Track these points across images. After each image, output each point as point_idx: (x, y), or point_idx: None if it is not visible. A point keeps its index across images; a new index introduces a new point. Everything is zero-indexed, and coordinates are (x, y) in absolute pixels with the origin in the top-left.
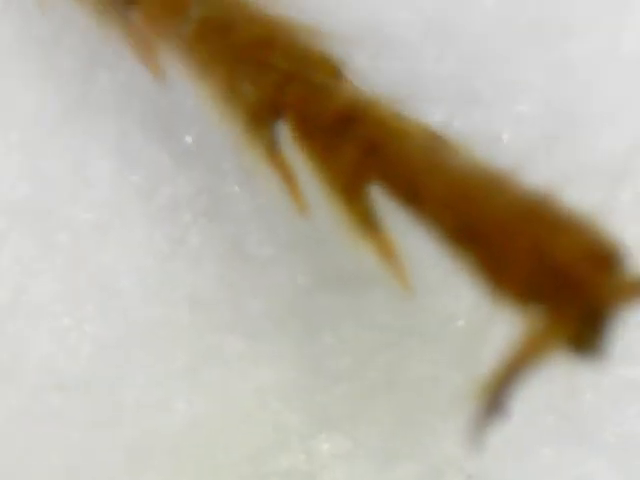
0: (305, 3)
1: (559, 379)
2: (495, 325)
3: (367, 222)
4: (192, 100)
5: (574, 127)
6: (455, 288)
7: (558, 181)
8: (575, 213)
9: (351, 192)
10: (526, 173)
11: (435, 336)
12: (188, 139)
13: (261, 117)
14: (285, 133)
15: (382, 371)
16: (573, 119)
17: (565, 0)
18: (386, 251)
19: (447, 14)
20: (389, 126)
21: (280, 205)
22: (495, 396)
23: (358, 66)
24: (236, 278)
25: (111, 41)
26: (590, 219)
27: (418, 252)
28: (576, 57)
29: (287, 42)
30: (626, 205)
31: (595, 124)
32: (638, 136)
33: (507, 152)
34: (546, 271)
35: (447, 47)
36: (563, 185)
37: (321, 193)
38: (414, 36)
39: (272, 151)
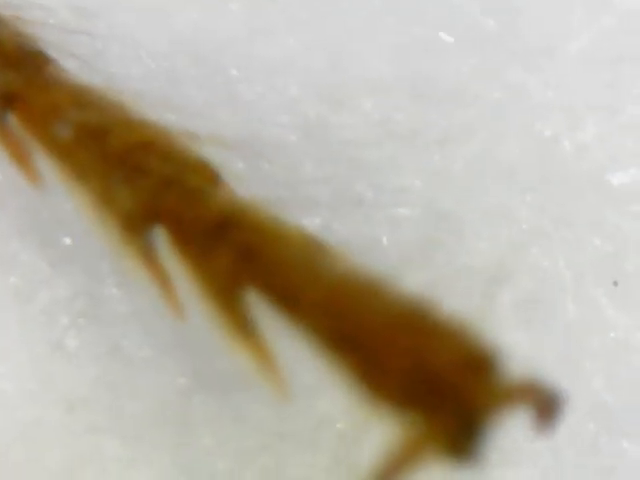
0: (181, 106)
1: None
2: (372, 430)
3: (242, 326)
4: (70, 203)
5: (452, 231)
6: (332, 391)
7: (436, 285)
8: (452, 318)
9: (226, 297)
10: (404, 277)
11: (311, 440)
12: (66, 241)
13: (136, 223)
14: (161, 238)
15: (259, 474)
16: (451, 223)
17: (444, 108)
18: (261, 355)
19: (327, 119)
20: (266, 231)
21: (158, 307)
22: None
23: (236, 170)
24: (115, 379)
25: None
26: (467, 325)
27: (295, 355)
28: (454, 163)
29: (164, 147)
30: (505, 309)
31: (474, 228)
32: (515, 240)
33: (386, 255)
34: (422, 377)
35: (327, 151)
36: (441, 290)
37: (197, 297)
38: (293, 140)
39: (148, 256)
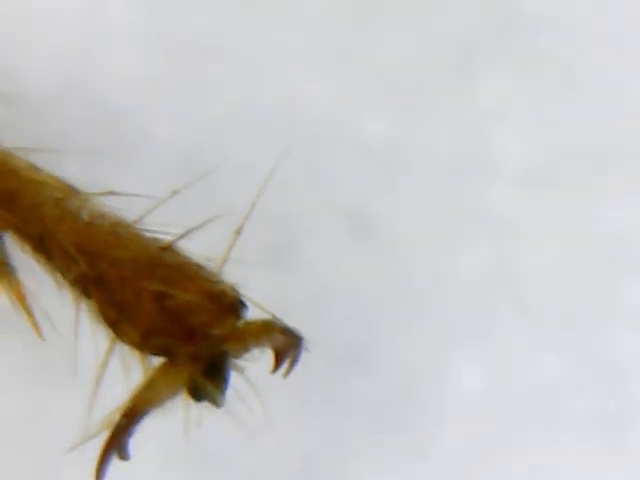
0: None
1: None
2: (127, 370)
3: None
4: None
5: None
6: (91, 332)
7: (186, 229)
8: (198, 262)
9: None
10: (152, 224)
11: (69, 380)
12: None
13: None
14: None
15: (21, 407)
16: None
17: None
18: (18, 297)
19: (82, 73)
20: (22, 177)
21: None
22: (117, 433)
23: None
24: None
25: None
26: (211, 268)
27: (52, 297)
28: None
29: None
30: (253, 253)
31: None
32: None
33: (136, 204)
34: (166, 317)
35: (84, 103)
36: (190, 233)
37: None
38: (49, 91)
39: None
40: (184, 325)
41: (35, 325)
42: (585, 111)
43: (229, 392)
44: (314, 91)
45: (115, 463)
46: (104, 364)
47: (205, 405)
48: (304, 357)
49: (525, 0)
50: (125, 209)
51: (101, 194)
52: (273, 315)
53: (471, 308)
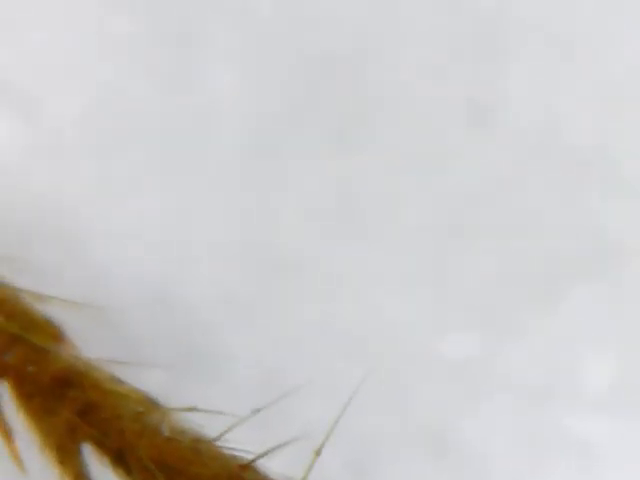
0: (28, 264)
1: None
2: None
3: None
4: None
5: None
6: None
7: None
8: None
9: (65, 451)
10: (232, 441)
11: None
12: None
13: None
14: (5, 392)
15: None
16: (282, 387)
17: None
18: None
19: (163, 285)
20: (103, 390)
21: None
22: None
23: (79, 330)
24: None
25: None
26: None
27: None
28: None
29: (9, 305)
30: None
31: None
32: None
33: (217, 421)
34: None
35: (167, 316)
36: (269, 453)
37: (38, 451)
38: (134, 305)
39: None
40: None
41: None
42: None
43: None
44: (396, 311)
45: None
46: None
47: None
48: None
49: (609, 223)
50: (206, 425)
51: (182, 409)
52: None
53: None
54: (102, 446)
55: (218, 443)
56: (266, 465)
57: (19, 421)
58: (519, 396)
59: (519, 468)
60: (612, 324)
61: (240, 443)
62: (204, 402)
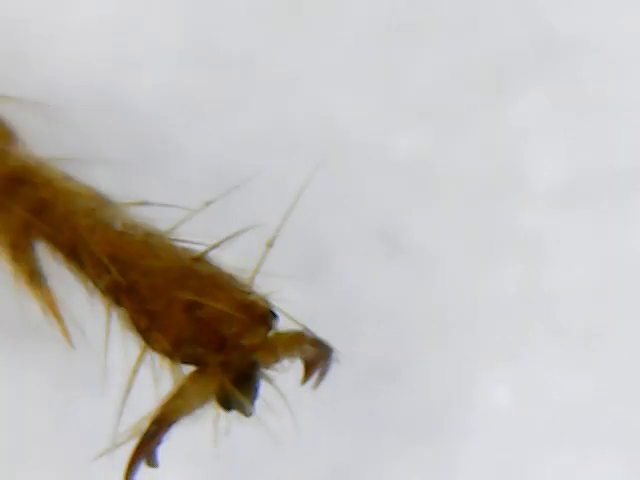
0: None
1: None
2: (157, 378)
3: (32, 277)
4: None
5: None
6: (120, 340)
7: (217, 239)
8: (228, 274)
9: (18, 249)
10: (184, 234)
11: (99, 387)
12: None
13: None
14: None
15: (51, 417)
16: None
17: None
18: (49, 306)
19: (115, 85)
20: (55, 187)
21: None
22: (146, 440)
23: (29, 129)
24: None
25: None
26: (243, 279)
27: (83, 305)
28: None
29: None
30: (287, 265)
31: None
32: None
33: (169, 215)
34: (197, 327)
35: (117, 112)
36: (222, 243)
37: None
38: (86, 102)
39: None
40: (215, 335)
41: (66, 333)
42: (617, 130)
43: (258, 402)
44: (347, 109)
45: (143, 471)
46: (134, 372)
47: (234, 414)
48: (334, 370)
49: (560, 22)
50: (157, 220)
51: (134, 204)
52: (304, 326)
53: (503, 326)
54: (55, 242)
55: (170, 236)
56: (219, 257)
57: None
58: (470, 192)
59: (470, 265)
60: (563, 119)
61: (192, 236)
62: (156, 198)
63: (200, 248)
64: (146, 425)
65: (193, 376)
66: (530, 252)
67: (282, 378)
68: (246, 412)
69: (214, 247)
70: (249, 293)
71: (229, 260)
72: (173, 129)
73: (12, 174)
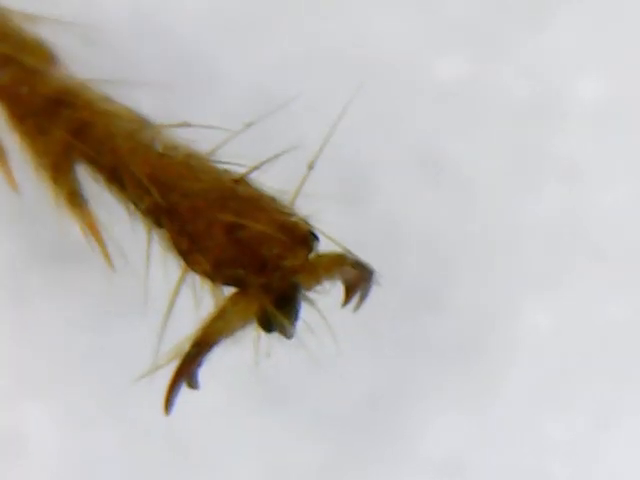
0: None
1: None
2: (196, 301)
3: (73, 200)
4: None
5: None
6: (161, 265)
7: (258, 161)
8: (269, 195)
9: (59, 170)
10: (224, 156)
11: (139, 313)
12: None
13: None
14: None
15: (87, 346)
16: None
17: None
18: (90, 228)
19: (156, 8)
20: (97, 109)
21: None
22: (187, 362)
23: (71, 51)
24: None
25: None
26: (284, 200)
27: (125, 228)
28: None
29: (1, 28)
30: (327, 187)
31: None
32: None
33: (209, 136)
34: (238, 248)
35: (158, 37)
36: (261, 166)
37: (32, 172)
38: (125, 26)
39: None
40: (256, 256)
41: (107, 256)
42: None
43: (299, 324)
44: (388, 31)
45: (184, 392)
46: (175, 294)
47: (275, 336)
48: (375, 293)
49: None
50: (198, 141)
51: (174, 126)
52: (345, 248)
53: (546, 250)
54: (96, 164)
55: (211, 158)
56: (260, 179)
57: (12, 142)
58: (510, 115)
59: (511, 188)
60: (600, 43)
61: (233, 158)
62: (196, 119)
63: (241, 170)
64: (187, 347)
65: (234, 298)
66: (571, 175)
67: (323, 300)
68: (287, 334)
69: (255, 169)
70: (290, 215)
71: (270, 182)
72: (214, 52)
73: (53, 96)
